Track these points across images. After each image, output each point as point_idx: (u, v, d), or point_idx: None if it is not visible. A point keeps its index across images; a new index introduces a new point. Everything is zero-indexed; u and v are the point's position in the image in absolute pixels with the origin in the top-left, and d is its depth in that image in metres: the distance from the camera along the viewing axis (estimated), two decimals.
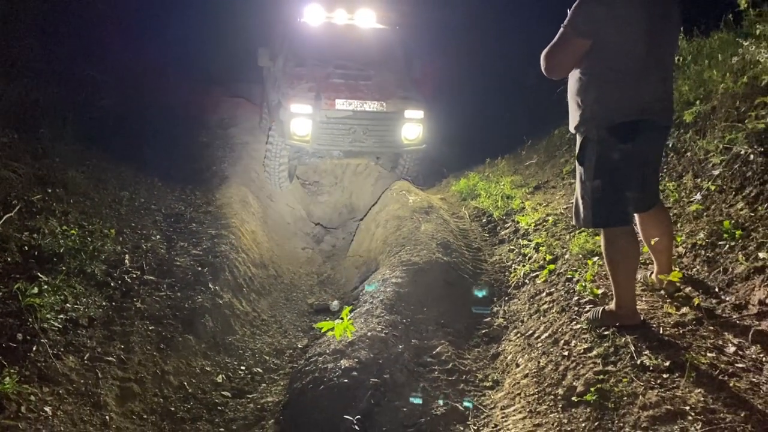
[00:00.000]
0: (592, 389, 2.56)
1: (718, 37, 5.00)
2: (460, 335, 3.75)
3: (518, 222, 5.16)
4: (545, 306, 3.63)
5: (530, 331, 3.48)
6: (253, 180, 7.26)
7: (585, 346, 2.92)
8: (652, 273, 3.28)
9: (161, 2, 9.67)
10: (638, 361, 2.61)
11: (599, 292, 3.36)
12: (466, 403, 3.03)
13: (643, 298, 3.14)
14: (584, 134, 2.83)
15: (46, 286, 3.57)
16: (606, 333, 2.92)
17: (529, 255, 4.51)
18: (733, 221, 3.31)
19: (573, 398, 2.61)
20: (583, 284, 3.49)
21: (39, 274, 3.66)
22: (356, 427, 2.81)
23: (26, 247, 3.88)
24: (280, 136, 6.84)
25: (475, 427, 2.82)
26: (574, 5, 2.68)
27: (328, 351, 3.37)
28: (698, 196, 3.74)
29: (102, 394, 3.16)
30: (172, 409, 3.39)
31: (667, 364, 2.53)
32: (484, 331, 3.82)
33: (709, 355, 2.56)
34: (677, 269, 3.13)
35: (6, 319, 3.24)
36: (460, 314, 4.00)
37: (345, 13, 7.44)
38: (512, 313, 3.89)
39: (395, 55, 7.70)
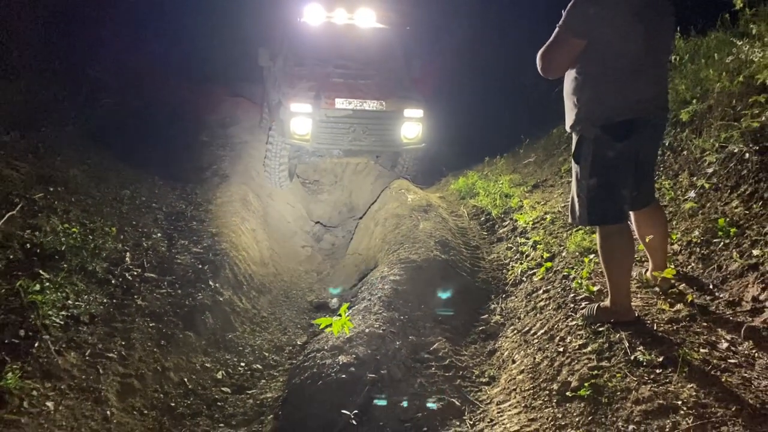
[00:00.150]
0: (586, 384, 2.60)
1: (715, 37, 5.03)
2: (457, 332, 3.79)
3: (516, 220, 5.19)
4: (542, 303, 3.67)
5: (527, 328, 3.51)
6: (254, 179, 7.30)
7: (580, 342, 2.96)
8: (647, 270, 3.31)
9: (162, 2, 9.71)
10: (632, 357, 2.65)
11: (595, 289, 3.39)
12: (462, 399, 3.07)
13: (638, 295, 3.18)
14: (580, 133, 2.86)
15: (47, 284, 3.60)
16: (601, 329, 2.95)
17: (526, 253, 4.55)
18: (728, 219, 3.34)
19: (567, 393, 2.64)
20: (579, 281, 3.52)
21: (41, 271, 3.70)
22: (354, 422, 2.84)
23: (28, 245, 3.92)
24: (280, 135, 6.88)
25: (471, 422, 2.86)
26: (568, 5, 2.71)
27: (326, 347, 3.41)
28: (692, 194, 3.77)
29: (103, 389, 3.20)
30: (173, 404, 3.43)
31: (661, 359, 2.57)
32: (481, 328, 3.85)
33: (702, 350, 2.60)
34: (672, 266, 3.17)
35: (8, 315, 3.28)
36: (457, 311, 4.03)
37: (345, 12, 7.47)
38: (509, 310, 3.93)
39: (395, 54, 7.73)
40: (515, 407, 2.82)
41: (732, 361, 2.51)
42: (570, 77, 2.86)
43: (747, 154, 3.55)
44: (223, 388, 3.72)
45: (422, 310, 3.94)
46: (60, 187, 4.95)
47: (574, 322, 3.17)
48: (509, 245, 4.91)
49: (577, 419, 2.49)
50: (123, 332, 3.66)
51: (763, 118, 3.53)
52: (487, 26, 10.66)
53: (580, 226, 4.01)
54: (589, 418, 2.45)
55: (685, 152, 4.24)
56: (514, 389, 2.97)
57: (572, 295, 3.48)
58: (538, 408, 2.71)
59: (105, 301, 3.87)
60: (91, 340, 3.48)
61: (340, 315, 3.43)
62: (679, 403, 2.28)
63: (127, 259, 4.42)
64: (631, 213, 3.09)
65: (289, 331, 4.68)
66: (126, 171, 6.24)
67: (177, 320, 4.00)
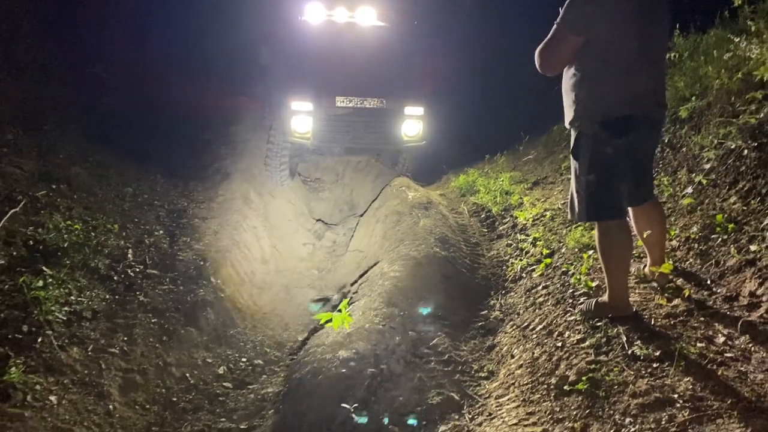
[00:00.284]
0: (583, 378, 2.61)
1: (714, 34, 5.04)
2: (456, 327, 3.81)
3: (516, 217, 5.22)
4: (541, 299, 3.69)
5: (526, 323, 3.53)
6: (255, 176, 7.32)
7: (578, 337, 2.98)
8: (645, 266, 3.33)
9: (164, 1, 9.73)
10: (629, 351, 2.67)
11: (593, 284, 3.41)
12: (461, 393, 3.09)
13: (636, 291, 3.19)
14: (578, 129, 2.88)
15: (50, 280, 3.64)
16: (599, 324, 2.97)
17: (526, 249, 4.57)
18: (726, 215, 3.36)
19: (565, 387, 2.66)
20: (578, 277, 3.55)
21: (44, 267, 3.73)
22: (353, 416, 2.87)
23: (31, 242, 3.95)
24: (281, 134, 6.91)
25: (470, 416, 2.88)
26: (566, 2, 2.73)
27: (326, 342, 3.44)
28: (689, 190, 3.79)
29: (105, 384, 3.23)
30: (174, 399, 3.46)
31: (658, 353, 2.59)
32: (480, 324, 3.88)
33: (698, 345, 2.61)
34: (670, 262, 3.18)
35: (12, 311, 3.32)
36: (457, 307, 4.06)
37: (345, 11, 7.48)
38: (509, 306, 3.95)
39: (395, 52, 7.74)
40: (514, 401, 2.84)
41: (728, 355, 2.53)
42: (568, 74, 2.88)
43: (745, 151, 3.56)
44: (224, 383, 3.75)
45: (422, 305, 3.96)
46: (62, 185, 4.99)
47: (572, 318, 3.19)
48: (509, 242, 4.94)
49: (574, 412, 2.51)
50: (125, 328, 3.70)
51: (761, 115, 3.55)
52: (488, 23, 10.67)
53: (579, 223, 4.03)
54: (587, 412, 2.47)
55: (684, 149, 4.26)
56: (513, 383, 2.99)
57: (571, 290, 3.51)
58: (537, 402, 2.73)
59: (107, 297, 3.90)
60: (93, 335, 3.52)
61: (340, 310, 3.45)
62: (676, 396, 2.30)
63: (129, 255, 4.45)
64: (630, 209, 3.11)
65: (290, 327, 4.71)
66: (128, 169, 6.27)
67: (179, 316, 4.03)
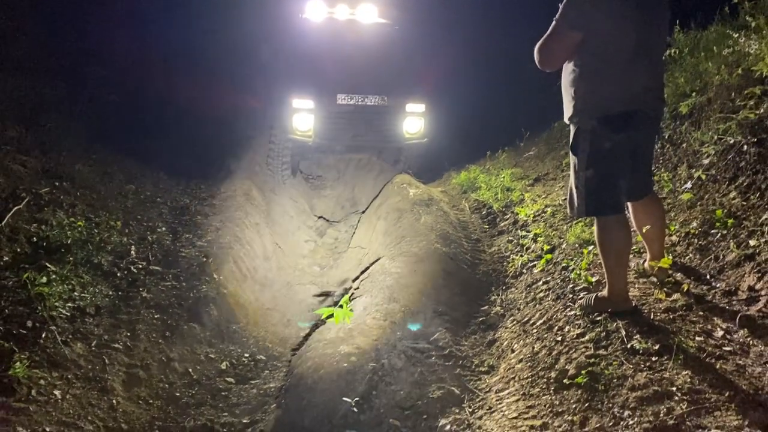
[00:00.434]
0: (583, 372, 2.63)
1: (714, 30, 5.05)
2: (457, 323, 3.83)
3: (517, 213, 5.23)
4: (541, 294, 3.71)
5: (526, 318, 3.55)
6: (257, 174, 7.35)
7: (578, 332, 3.00)
8: (644, 261, 3.35)
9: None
10: (628, 345, 2.68)
11: (593, 279, 3.43)
12: (462, 387, 3.11)
13: (636, 285, 3.21)
14: (577, 125, 2.89)
15: (54, 276, 3.67)
16: (598, 319, 2.99)
17: (527, 245, 4.59)
18: (725, 210, 3.37)
19: (565, 381, 2.68)
20: (578, 272, 3.56)
21: (47, 264, 3.76)
22: (354, 409, 2.90)
23: (35, 238, 3.98)
24: (282, 132, 6.93)
25: (471, 410, 2.90)
26: None
27: (328, 337, 3.47)
28: (689, 185, 3.80)
29: (109, 379, 3.26)
30: (177, 394, 3.48)
31: (657, 347, 2.60)
32: (481, 319, 3.90)
33: (697, 339, 2.63)
34: (669, 257, 3.20)
35: (16, 307, 3.35)
36: (458, 303, 4.08)
37: (346, 8, 7.50)
38: (509, 301, 3.97)
39: (397, 49, 7.76)
40: (514, 395, 2.86)
41: (727, 348, 2.55)
42: (567, 70, 2.89)
43: (745, 146, 3.58)
44: (227, 378, 3.78)
45: (423, 301, 3.98)
46: (66, 182, 5.02)
47: (572, 312, 3.21)
48: (510, 238, 4.96)
49: (574, 406, 2.53)
50: (128, 324, 3.73)
51: (761, 110, 3.56)
52: (489, 20, 10.67)
53: (578, 218, 4.04)
54: (586, 405, 2.49)
55: (684, 144, 4.27)
56: (513, 378, 3.01)
57: (571, 285, 3.52)
58: (536, 395, 2.75)
59: (110, 293, 3.93)
60: (97, 331, 3.55)
61: (342, 306, 3.48)
62: (674, 389, 2.32)
63: (132, 252, 4.48)
64: (629, 204, 3.13)
65: (292, 323, 4.73)
66: (130, 166, 6.31)
67: (182, 312, 4.06)
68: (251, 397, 3.60)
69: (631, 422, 2.25)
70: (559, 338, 3.05)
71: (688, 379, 2.36)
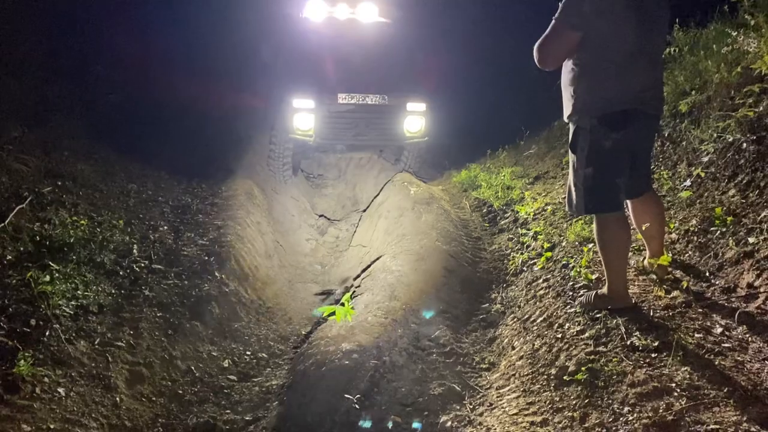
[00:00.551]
0: (583, 369, 2.65)
1: (714, 28, 5.07)
2: (458, 320, 3.85)
3: (518, 212, 5.25)
4: (541, 292, 3.73)
5: (526, 316, 3.57)
6: (258, 173, 7.37)
7: (578, 329, 3.02)
8: (644, 258, 3.37)
9: None
10: (628, 342, 2.71)
11: (593, 277, 3.45)
12: (463, 384, 3.13)
13: (635, 283, 3.23)
14: (576, 123, 2.92)
15: (57, 275, 3.69)
16: (598, 316, 3.01)
17: (527, 243, 4.61)
18: (725, 208, 3.39)
19: (565, 377, 2.70)
20: (578, 270, 3.58)
21: (50, 262, 3.77)
22: (356, 406, 2.92)
23: (38, 237, 4.00)
24: (283, 131, 6.95)
25: (471, 406, 2.92)
26: None
27: (329, 335, 3.48)
28: (688, 183, 3.82)
29: (112, 377, 3.28)
30: (180, 391, 3.50)
31: (656, 344, 2.62)
32: (481, 317, 3.92)
33: (696, 335, 2.65)
34: (669, 254, 3.22)
35: (20, 305, 3.37)
36: (458, 300, 4.10)
37: (346, 7, 7.51)
38: (510, 299, 3.99)
39: (397, 48, 7.76)
40: (514, 392, 2.88)
41: (726, 345, 2.57)
42: (567, 69, 2.91)
43: (744, 144, 3.60)
44: (229, 376, 3.79)
45: (424, 299, 4.01)
46: (68, 181, 5.04)
47: (572, 310, 3.23)
48: (510, 236, 4.98)
49: (574, 402, 2.55)
50: (131, 322, 3.75)
51: (760, 108, 3.58)
52: (490, 18, 10.68)
53: (577, 216, 4.06)
54: (586, 401, 2.51)
55: (683, 142, 4.28)
56: (514, 374, 3.03)
57: (571, 283, 3.55)
58: (537, 392, 2.77)
59: (113, 291, 3.95)
60: (100, 329, 3.56)
61: (343, 304, 3.50)
62: (673, 385, 2.34)
63: (134, 251, 4.50)
64: (629, 201, 3.15)
65: (294, 321, 4.75)
66: (132, 165, 6.33)
67: (184, 310, 4.07)
68: (253, 394, 3.62)
69: (630, 418, 2.27)
70: (560, 335, 3.07)
71: (688, 376, 2.38)
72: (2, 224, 3.92)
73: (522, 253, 4.48)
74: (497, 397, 2.92)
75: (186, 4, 9.63)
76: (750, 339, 2.58)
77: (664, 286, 3.10)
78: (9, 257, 3.73)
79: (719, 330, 2.69)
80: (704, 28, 5.31)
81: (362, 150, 7.76)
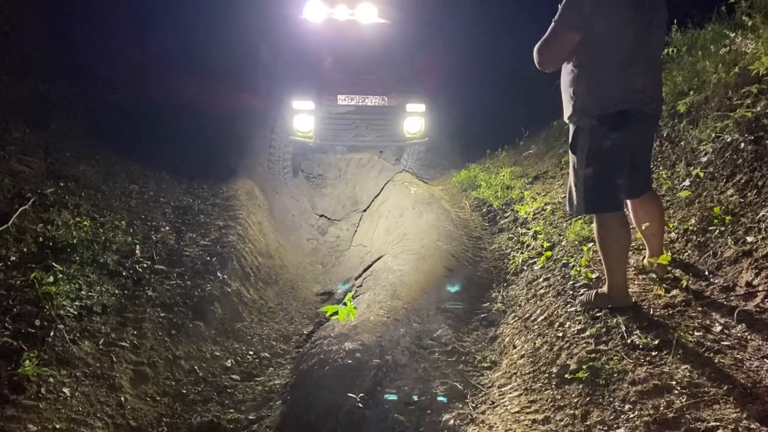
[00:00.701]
0: (584, 367, 2.68)
1: (712, 29, 5.10)
2: (459, 319, 3.88)
3: (517, 211, 5.28)
4: (542, 291, 3.76)
5: (527, 315, 3.60)
6: (259, 173, 7.40)
7: (578, 327, 3.05)
8: (644, 258, 3.39)
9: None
10: (628, 341, 2.73)
11: (593, 276, 3.48)
12: (465, 382, 3.16)
13: (635, 282, 3.26)
14: (576, 124, 2.94)
15: (61, 275, 3.72)
16: (599, 314, 3.04)
17: (527, 243, 4.63)
18: (723, 207, 3.42)
19: (566, 376, 2.73)
20: (578, 269, 3.61)
21: (54, 263, 3.80)
22: (359, 405, 2.94)
23: (41, 238, 4.03)
24: (283, 133, 6.97)
25: (474, 404, 2.95)
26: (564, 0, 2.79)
27: (332, 334, 3.51)
28: (687, 183, 3.85)
29: (117, 376, 3.30)
30: (184, 391, 3.53)
31: (656, 342, 2.65)
32: (483, 316, 3.95)
33: (696, 333, 2.68)
34: (668, 253, 3.25)
35: (24, 306, 3.40)
36: (460, 299, 4.13)
37: (346, 8, 7.52)
38: (510, 298, 4.02)
39: (397, 49, 7.79)
40: (516, 390, 2.91)
41: (725, 343, 2.59)
42: (566, 70, 2.94)
43: (742, 144, 3.62)
44: (232, 376, 3.82)
45: (425, 298, 4.03)
46: (70, 182, 5.07)
47: (572, 309, 3.26)
48: (510, 235, 5.01)
49: (575, 400, 2.57)
50: (135, 322, 3.77)
51: (757, 108, 3.61)
52: (490, 18, 10.71)
53: (577, 216, 4.09)
54: (587, 399, 2.53)
55: (682, 143, 4.31)
56: (515, 373, 3.06)
57: (571, 282, 3.57)
58: (538, 390, 2.80)
59: (116, 292, 3.97)
60: (104, 329, 3.59)
61: (345, 303, 3.52)
62: (674, 383, 2.37)
63: (137, 251, 4.52)
64: (628, 201, 3.17)
65: (296, 321, 4.78)
66: (133, 166, 6.35)
67: (187, 310, 4.10)
68: (257, 393, 3.65)
69: (631, 416, 2.30)
70: (560, 334, 3.10)
71: (688, 373, 2.41)
72: (6, 225, 3.94)
73: (522, 253, 4.51)
74: (499, 395, 2.95)
75: (186, 5, 9.65)
76: (749, 337, 2.61)
77: (664, 285, 3.13)
78: (13, 258, 3.76)
79: (719, 328, 2.71)
80: (702, 29, 5.34)
81: (362, 151, 7.78)
